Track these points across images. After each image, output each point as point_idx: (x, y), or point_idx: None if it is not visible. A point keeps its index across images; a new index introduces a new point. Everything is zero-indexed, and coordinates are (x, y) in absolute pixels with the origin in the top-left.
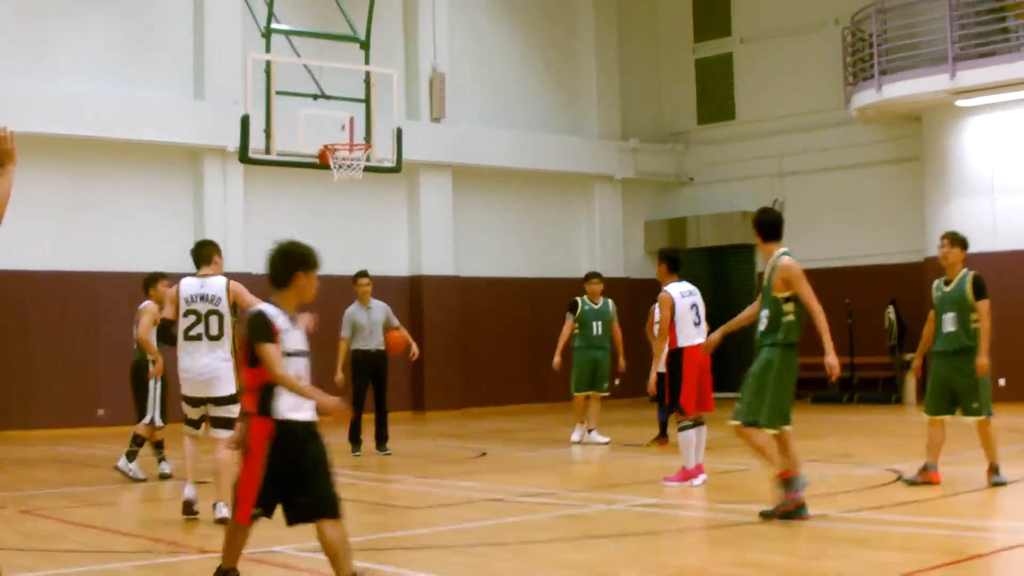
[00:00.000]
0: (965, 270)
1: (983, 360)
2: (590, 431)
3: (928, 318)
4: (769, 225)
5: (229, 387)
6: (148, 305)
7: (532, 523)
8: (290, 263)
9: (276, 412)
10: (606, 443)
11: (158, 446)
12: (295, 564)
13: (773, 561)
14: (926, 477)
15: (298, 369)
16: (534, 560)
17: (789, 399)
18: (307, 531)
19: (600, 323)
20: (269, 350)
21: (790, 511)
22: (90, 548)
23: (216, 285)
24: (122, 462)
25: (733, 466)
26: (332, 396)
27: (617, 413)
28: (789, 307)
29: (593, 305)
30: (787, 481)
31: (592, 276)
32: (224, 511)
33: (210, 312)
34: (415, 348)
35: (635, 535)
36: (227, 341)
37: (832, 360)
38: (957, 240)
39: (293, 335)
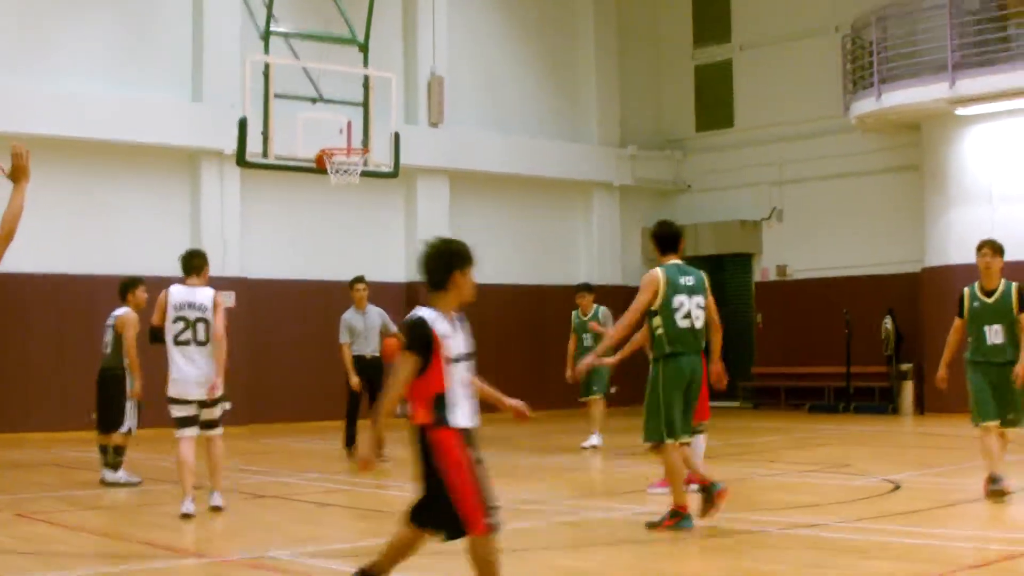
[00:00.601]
0: (1004, 280)
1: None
2: (592, 432)
3: (954, 327)
4: (663, 238)
5: (219, 390)
6: (128, 314)
7: (528, 530)
8: (446, 263)
9: (454, 421)
10: (595, 446)
11: (118, 451)
12: (291, 568)
13: (769, 570)
14: (1000, 488)
15: (464, 374)
16: (530, 567)
17: (670, 411)
18: (308, 535)
19: (590, 334)
20: (407, 361)
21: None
22: (86, 552)
23: (205, 295)
24: (110, 475)
25: (730, 475)
26: (515, 399)
27: (614, 420)
28: (656, 321)
29: (583, 317)
30: (705, 488)
31: (580, 289)
32: (219, 499)
33: (198, 320)
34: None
35: (631, 543)
36: (211, 346)
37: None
38: (999, 249)
39: (457, 339)
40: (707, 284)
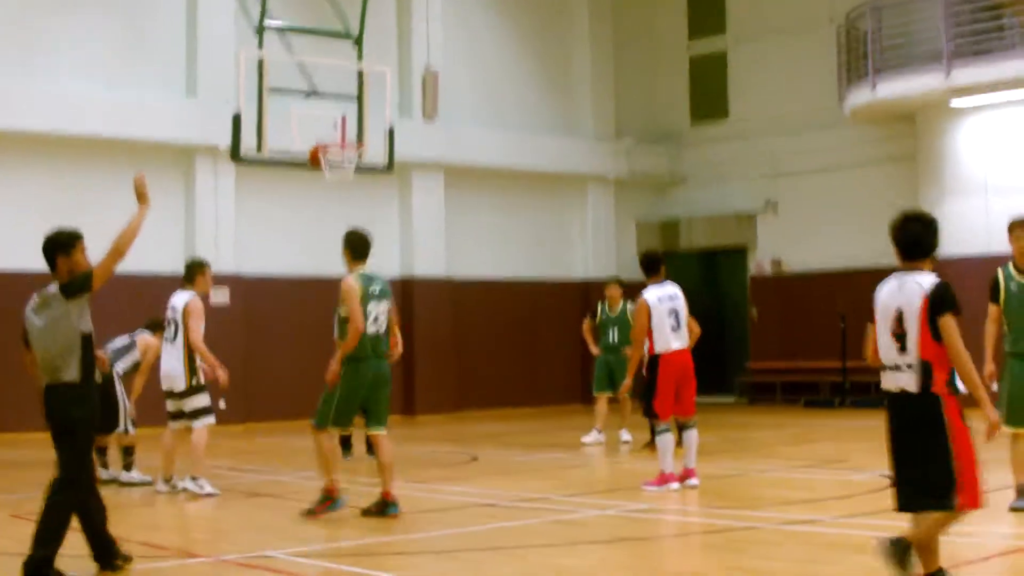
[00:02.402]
0: None
1: None
2: (599, 431)
3: (990, 315)
4: None
5: (175, 384)
6: (152, 342)
7: (525, 528)
8: (935, 231)
9: (960, 389)
10: (591, 444)
11: (128, 452)
12: (288, 569)
13: (767, 567)
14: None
15: None
16: (527, 565)
17: (343, 404)
18: (304, 534)
19: (616, 329)
20: (956, 325)
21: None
22: (83, 553)
23: (181, 299)
24: (125, 476)
25: (726, 471)
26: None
27: (612, 418)
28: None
29: (610, 313)
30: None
31: (610, 282)
32: (190, 483)
33: (171, 320)
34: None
35: (629, 540)
36: (180, 345)
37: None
38: None
39: None
40: (390, 292)
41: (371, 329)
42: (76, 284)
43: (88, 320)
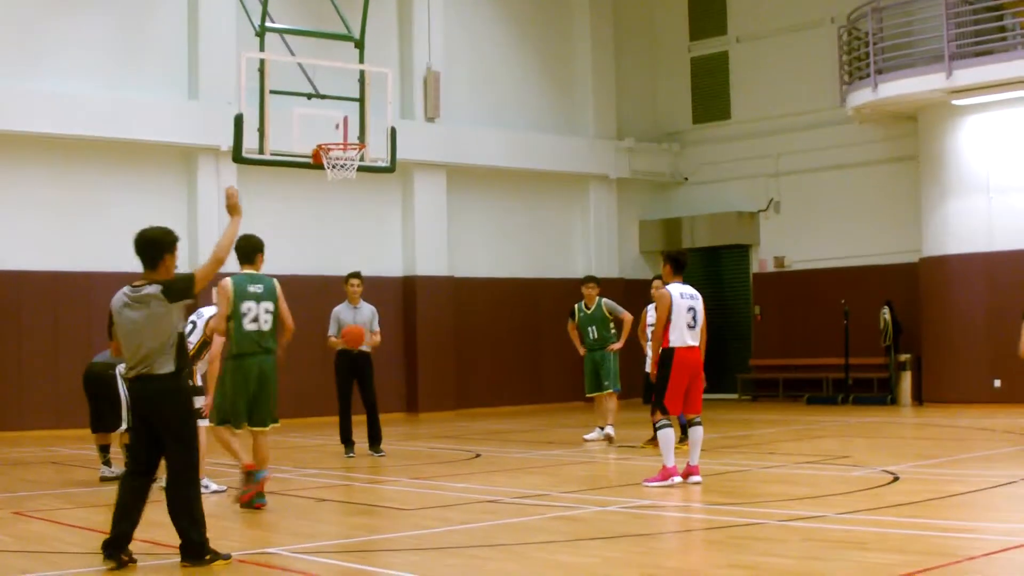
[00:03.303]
0: None
1: None
2: (602, 428)
3: None
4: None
5: None
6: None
7: (526, 525)
8: None
9: None
10: (596, 439)
11: (103, 450)
12: (288, 566)
13: (768, 563)
14: None
15: None
16: (528, 562)
17: (229, 402)
18: (306, 530)
19: (594, 327)
20: None
21: (251, 499)
22: (84, 550)
23: (210, 312)
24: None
25: (728, 467)
26: None
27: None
28: (231, 324)
29: (587, 311)
30: (249, 474)
31: (586, 280)
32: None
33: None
34: (374, 340)
35: (630, 537)
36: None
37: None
38: None
39: None
40: (277, 291)
41: (250, 327)
42: (180, 289)
43: (183, 319)
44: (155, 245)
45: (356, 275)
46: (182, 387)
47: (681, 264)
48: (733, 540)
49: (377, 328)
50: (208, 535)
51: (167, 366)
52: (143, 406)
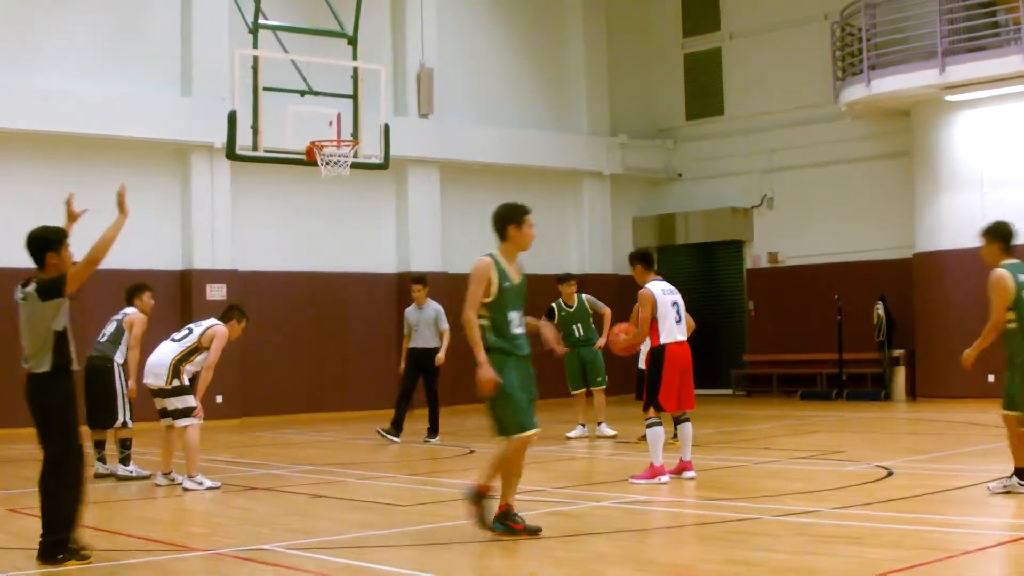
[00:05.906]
0: None
1: None
2: (599, 423)
3: None
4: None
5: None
6: (138, 314)
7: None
8: None
9: None
10: (612, 436)
11: (124, 445)
12: (283, 562)
13: (763, 558)
14: None
15: None
16: (523, 558)
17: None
18: (300, 527)
19: (580, 324)
20: None
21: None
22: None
23: (212, 325)
24: (122, 470)
25: (722, 463)
26: None
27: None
28: None
29: (568, 308)
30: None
31: (564, 279)
32: (189, 483)
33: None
34: (440, 356)
35: (624, 532)
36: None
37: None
38: None
39: None
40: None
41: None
42: (51, 288)
43: (63, 317)
44: (39, 243)
45: (418, 280)
46: (58, 385)
47: (651, 260)
48: (727, 535)
49: (445, 326)
50: (74, 535)
51: (43, 365)
52: (28, 403)
